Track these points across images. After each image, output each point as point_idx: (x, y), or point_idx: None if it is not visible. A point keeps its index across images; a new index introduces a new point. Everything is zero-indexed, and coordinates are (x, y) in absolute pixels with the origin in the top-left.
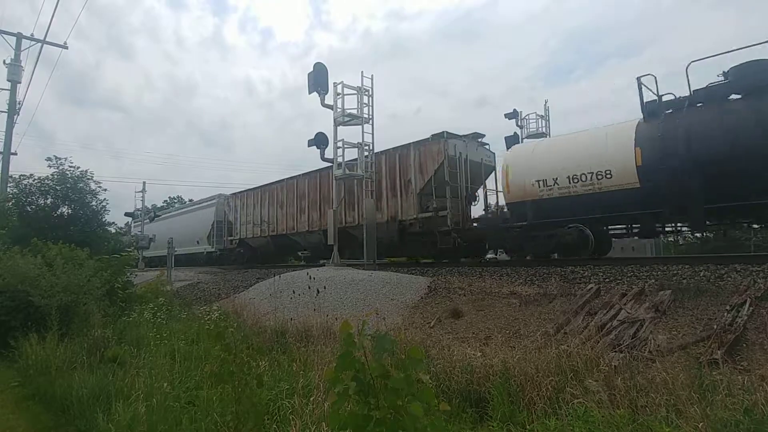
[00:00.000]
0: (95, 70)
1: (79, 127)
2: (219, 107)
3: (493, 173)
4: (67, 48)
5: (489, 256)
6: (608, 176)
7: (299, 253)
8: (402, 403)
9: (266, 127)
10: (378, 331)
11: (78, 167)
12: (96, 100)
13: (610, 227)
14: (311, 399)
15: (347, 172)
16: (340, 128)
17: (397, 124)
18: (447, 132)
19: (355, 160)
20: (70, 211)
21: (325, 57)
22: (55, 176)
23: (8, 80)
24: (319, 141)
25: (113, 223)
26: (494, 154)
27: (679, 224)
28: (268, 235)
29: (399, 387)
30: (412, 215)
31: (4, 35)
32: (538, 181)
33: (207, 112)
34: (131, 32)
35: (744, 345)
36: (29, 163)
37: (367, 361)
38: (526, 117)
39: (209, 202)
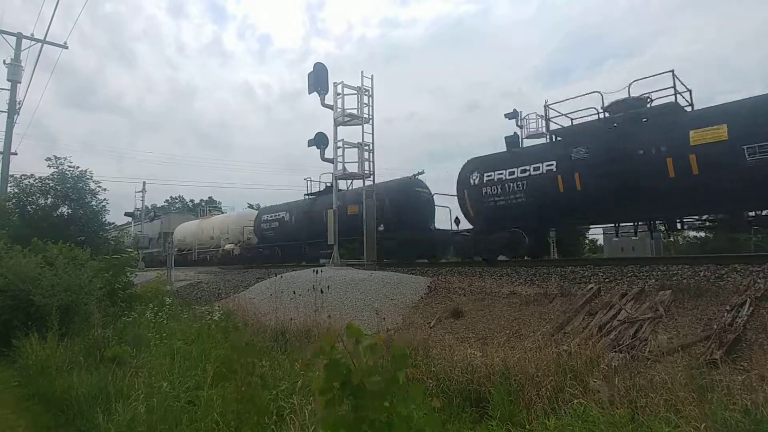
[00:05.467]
0: (99, 75)
1: (82, 129)
2: (219, 110)
3: None
4: (67, 48)
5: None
6: None
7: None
8: (389, 405)
9: (265, 129)
10: (378, 331)
11: (77, 167)
12: (99, 103)
13: None
14: (310, 399)
15: (347, 171)
16: (339, 128)
17: (393, 127)
18: None
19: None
20: (69, 210)
21: (322, 62)
22: (55, 176)
23: (8, 80)
24: (319, 141)
25: (113, 223)
26: None
27: None
28: None
29: (377, 389)
30: None
31: (4, 35)
32: None
33: (207, 115)
34: (133, 39)
35: (744, 345)
36: (32, 164)
37: (354, 364)
38: (526, 117)
39: None
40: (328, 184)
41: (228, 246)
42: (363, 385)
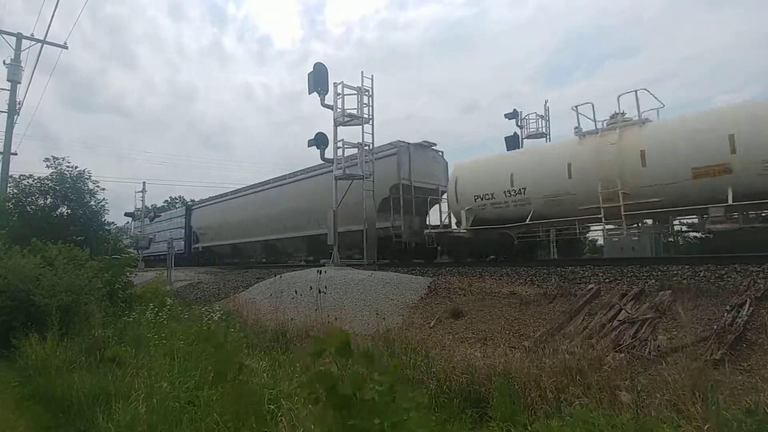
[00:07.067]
0: (100, 76)
1: (82, 130)
2: (219, 111)
3: None
4: (67, 48)
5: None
6: None
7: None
8: (380, 422)
9: (265, 129)
10: (378, 331)
11: (76, 167)
12: (100, 104)
13: None
14: (294, 399)
15: (347, 172)
16: (339, 128)
17: (392, 128)
18: None
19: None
20: (69, 210)
21: (321, 62)
22: (54, 176)
23: (8, 80)
24: (319, 141)
25: (112, 223)
26: None
27: None
28: None
29: (370, 401)
30: None
31: (4, 35)
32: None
33: (207, 116)
34: (134, 41)
35: (744, 345)
36: (33, 164)
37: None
38: (526, 117)
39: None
40: None
41: None
42: (354, 396)
